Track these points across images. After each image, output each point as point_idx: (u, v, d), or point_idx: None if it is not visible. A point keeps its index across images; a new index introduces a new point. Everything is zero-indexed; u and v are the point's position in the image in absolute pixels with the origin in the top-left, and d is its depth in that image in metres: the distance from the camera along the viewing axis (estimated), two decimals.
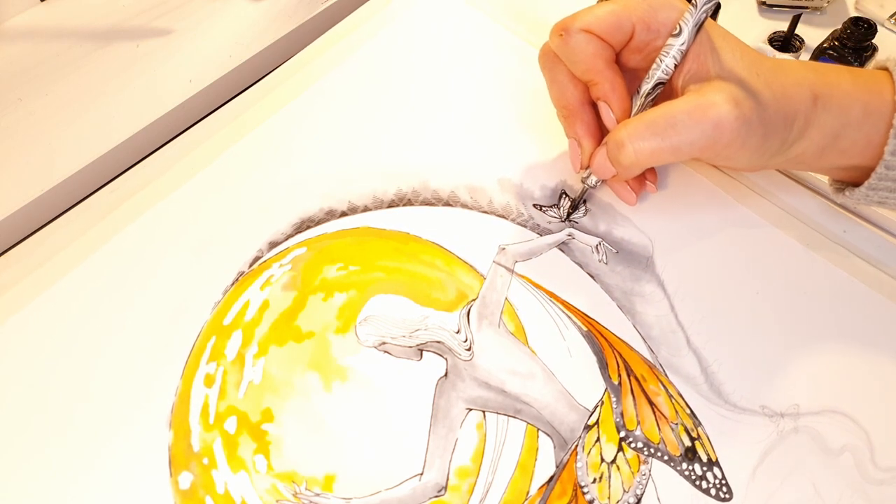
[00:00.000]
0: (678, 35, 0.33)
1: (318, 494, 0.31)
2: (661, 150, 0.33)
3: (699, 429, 0.34)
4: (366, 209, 0.39)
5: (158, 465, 0.32)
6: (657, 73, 0.34)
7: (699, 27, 0.33)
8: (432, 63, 0.46)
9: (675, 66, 0.34)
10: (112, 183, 0.40)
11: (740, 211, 0.40)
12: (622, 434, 0.33)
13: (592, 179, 0.38)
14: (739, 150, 0.33)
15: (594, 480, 0.32)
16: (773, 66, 0.35)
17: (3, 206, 0.41)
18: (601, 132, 0.37)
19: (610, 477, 0.32)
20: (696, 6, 0.33)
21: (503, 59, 0.46)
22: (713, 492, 0.32)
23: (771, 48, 0.50)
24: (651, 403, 0.34)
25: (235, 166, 0.41)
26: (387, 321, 0.36)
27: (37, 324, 0.35)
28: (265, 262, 0.37)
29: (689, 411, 0.34)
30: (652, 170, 0.39)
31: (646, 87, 0.35)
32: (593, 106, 0.37)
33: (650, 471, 0.33)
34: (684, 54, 0.34)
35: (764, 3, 0.57)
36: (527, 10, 0.48)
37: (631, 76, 0.36)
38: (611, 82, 0.35)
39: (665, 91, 0.35)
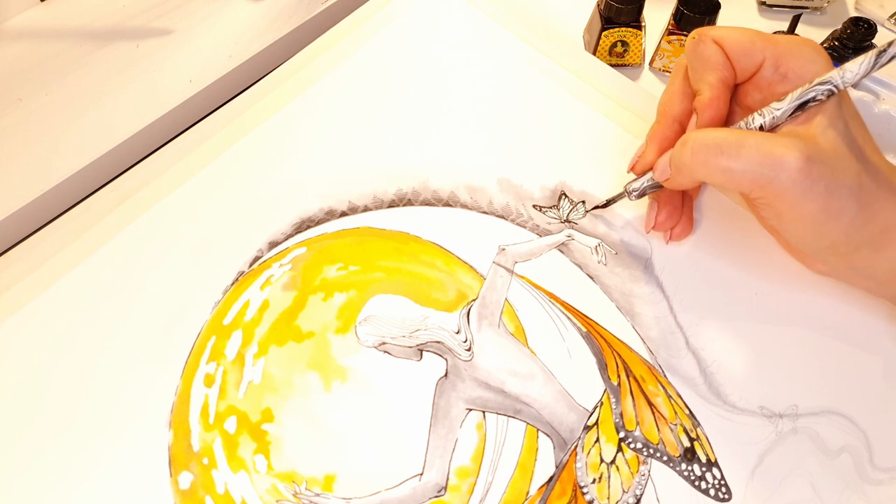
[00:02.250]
0: (782, 101, 0.32)
1: (318, 494, 0.32)
2: (715, 165, 0.31)
3: (698, 429, 0.34)
4: (366, 209, 0.39)
5: (158, 465, 0.32)
6: (742, 126, 0.33)
7: (805, 104, 0.32)
8: (432, 63, 0.46)
9: (762, 128, 0.33)
10: (112, 183, 0.40)
11: (739, 212, 0.40)
12: (621, 434, 0.33)
13: (635, 185, 0.37)
14: (792, 209, 0.31)
15: (594, 481, 0.32)
16: (888, 168, 0.33)
17: (3, 206, 0.41)
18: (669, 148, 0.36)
19: (609, 477, 0.33)
20: (811, 83, 0.31)
21: (503, 58, 0.46)
22: (712, 492, 0.32)
23: None
24: (650, 404, 0.34)
25: (235, 166, 0.41)
26: (387, 321, 0.36)
27: (37, 324, 0.35)
28: (265, 261, 0.37)
29: (688, 412, 0.34)
30: (688, 220, 0.38)
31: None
32: (683, 129, 0.36)
33: (649, 471, 0.33)
34: (777, 122, 0.32)
35: (764, 3, 0.57)
36: (527, 10, 0.48)
37: (740, 113, 0.35)
38: (714, 97, 0.34)
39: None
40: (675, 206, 0.38)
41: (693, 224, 0.39)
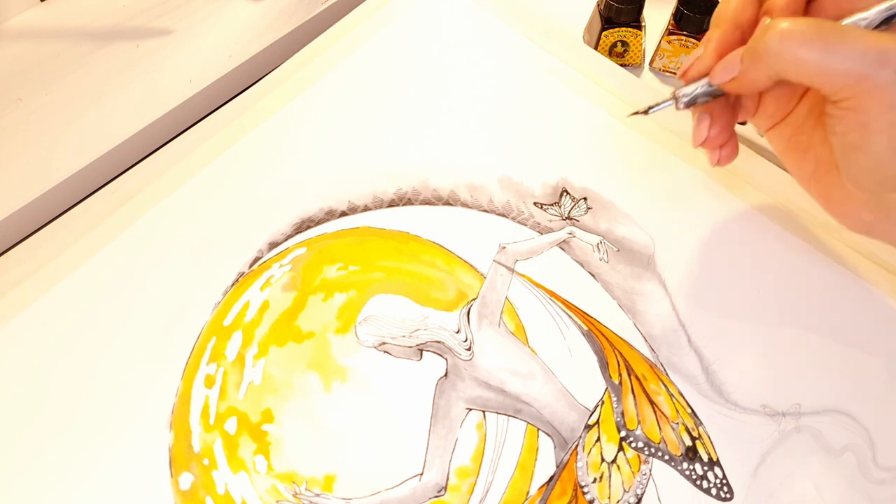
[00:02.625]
0: (867, 12, 0.29)
1: (318, 495, 0.31)
2: (807, 55, 0.28)
3: (700, 428, 0.33)
4: (366, 209, 0.39)
5: (159, 466, 0.32)
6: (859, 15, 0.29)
7: (891, 17, 0.29)
8: (432, 61, 0.46)
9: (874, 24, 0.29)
10: (112, 183, 0.40)
11: (743, 209, 0.40)
12: (623, 434, 0.33)
13: (686, 90, 0.33)
14: (882, 115, 0.28)
15: (594, 480, 0.32)
16: None
17: (3, 206, 0.41)
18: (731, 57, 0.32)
19: (610, 477, 0.32)
20: None
21: (503, 56, 0.46)
22: (714, 491, 0.32)
23: None
24: (652, 403, 0.34)
25: (235, 166, 0.41)
26: (387, 321, 0.36)
27: (37, 324, 0.35)
28: (265, 262, 0.37)
29: (689, 411, 0.34)
30: (735, 141, 0.34)
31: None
32: (746, 38, 0.32)
33: (651, 470, 0.33)
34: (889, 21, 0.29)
35: None
36: (528, 7, 0.48)
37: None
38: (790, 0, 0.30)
39: None
40: (728, 120, 0.34)
41: (738, 147, 0.35)
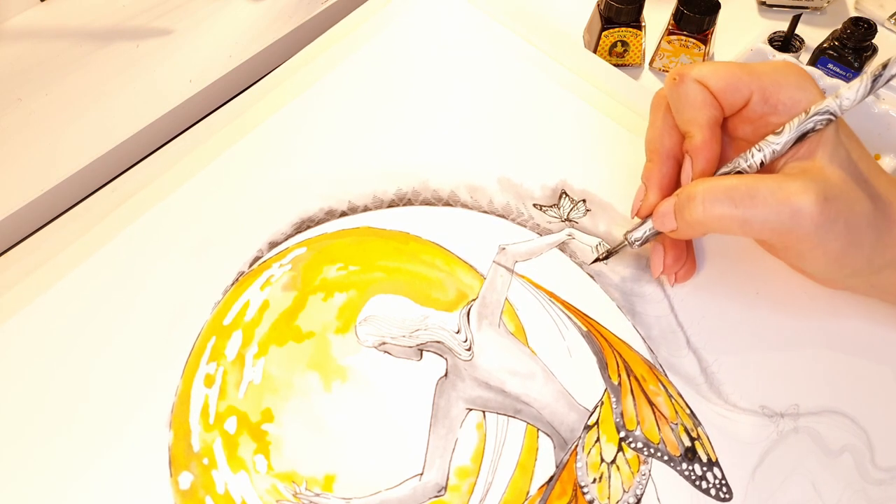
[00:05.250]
0: (779, 134, 0.32)
1: (318, 494, 0.31)
2: (731, 217, 0.31)
3: (699, 429, 0.34)
4: (366, 209, 0.39)
5: (158, 466, 0.32)
6: (742, 163, 0.32)
7: (804, 135, 0.31)
8: (432, 62, 0.46)
9: (762, 164, 0.32)
10: (112, 183, 0.40)
11: None
12: (622, 434, 0.33)
13: (636, 234, 0.35)
14: (814, 250, 0.31)
15: (594, 480, 0.32)
16: (891, 182, 0.32)
17: (3, 206, 0.41)
18: (672, 190, 0.35)
19: (610, 477, 0.32)
20: (807, 114, 0.31)
21: (503, 57, 0.46)
22: (713, 492, 0.32)
23: (771, 48, 0.50)
24: (651, 403, 0.34)
25: (235, 166, 0.41)
26: (387, 321, 0.36)
27: (37, 324, 0.35)
28: (265, 262, 0.37)
29: (688, 411, 0.34)
30: (692, 261, 0.37)
31: (727, 168, 0.33)
32: (678, 164, 0.35)
33: (650, 471, 0.33)
34: (776, 155, 0.32)
35: (764, 3, 0.57)
36: (527, 9, 0.48)
37: (733, 145, 0.35)
38: (705, 139, 0.33)
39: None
40: (681, 247, 0.37)
41: (696, 264, 0.38)
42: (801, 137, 0.31)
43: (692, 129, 0.33)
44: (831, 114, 0.31)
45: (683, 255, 0.37)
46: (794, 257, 0.33)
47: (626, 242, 0.36)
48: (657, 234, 0.35)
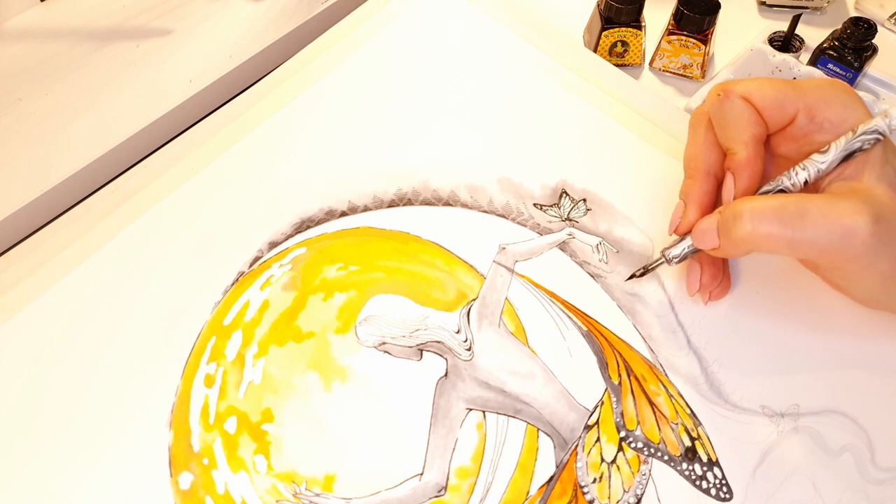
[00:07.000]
0: (825, 153, 0.31)
1: (318, 494, 0.31)
2: (779, 237, 0.30)
3: (699, 429, 0.34)
4: (366, 209, 0.39)
5: (158, 466, 0.32)
6: (785, 181, 0.32)
7: (850, 155, 0.31)
8: (432, 62, 0.46)
9: (806, 182, 0.31)
10: (112, 183, 0.40)
11: None
12: (622, 434, 0.33)
13: (674, 251, 0.35)
14: (863, 271, 0.30)
15: (594, 480, 0.32)
16: None
17: (3, 206, 0.41)
18: (712, 208, 0.34)
19: (610, 477, 0.32)
20: (855, 132, 0.31)
21: (503, 57, 0.46)
22: (713, 492, 0.32)
23: (771, 48, 0.50)
24: (651, 403, 0.34)
25: (235, 166, 0.41)
26: (387, 321, 0.36)
27: (37, 324, 0.35)
28: (265, 262, 0.37)
29: (689, 411, 0.34)
30: (727, 279, 0.37)
31: (769, 186, 0.33)
32: (718, 181, 0.34)
33: (650, 471, 0.33)
34: (821, 174, 0.31)
35: (764, 3, 0.57)
36: (527, 8, 0.48)
37: (775, 163, 0.34)
38: (749, 156, 0.32)
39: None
40: (718, 266, 0.36)
41: (731, 281, 0.37)
42: (847, 157, 0.31)
43: (736, 146, 0.33)
44: (880, 133, 0.30)
45: (720, 273, 0.36)
46: (840, 278, 0.33)
47: (664, 259, 0.35)
48: (695, 252, 0.35)
